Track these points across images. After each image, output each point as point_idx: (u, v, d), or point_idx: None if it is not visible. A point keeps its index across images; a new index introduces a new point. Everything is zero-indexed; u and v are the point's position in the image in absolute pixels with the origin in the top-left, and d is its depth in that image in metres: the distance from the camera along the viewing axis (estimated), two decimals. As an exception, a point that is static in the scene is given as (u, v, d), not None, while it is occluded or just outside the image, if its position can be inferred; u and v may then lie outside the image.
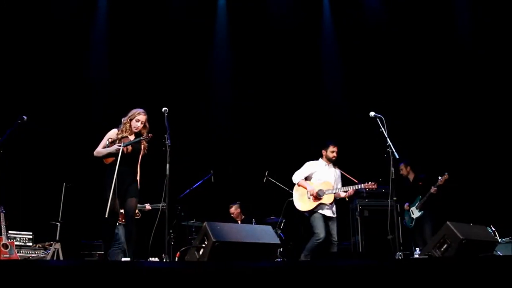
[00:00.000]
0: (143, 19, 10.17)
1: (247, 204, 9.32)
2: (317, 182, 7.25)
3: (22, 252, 7.50)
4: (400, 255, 6.00)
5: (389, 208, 6.26)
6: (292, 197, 7.58)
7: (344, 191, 7.18)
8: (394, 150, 6.07)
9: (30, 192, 8.70)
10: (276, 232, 7.13)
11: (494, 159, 9.30)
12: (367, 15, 10.61)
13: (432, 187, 8.16)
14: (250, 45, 10.56)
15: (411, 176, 8.75)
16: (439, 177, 8.12)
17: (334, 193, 7.15)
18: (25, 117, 6.37)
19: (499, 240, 7.50)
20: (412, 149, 9.18)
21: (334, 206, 7.22)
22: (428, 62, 10.06)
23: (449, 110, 9.86)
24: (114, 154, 5.84)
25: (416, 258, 6.84)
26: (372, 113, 6.35)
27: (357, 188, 7.08)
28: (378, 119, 6.35)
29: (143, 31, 10.15)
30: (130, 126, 6.01)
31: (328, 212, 7.12)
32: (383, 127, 6.28)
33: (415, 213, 8.41)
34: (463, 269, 3.40)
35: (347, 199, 7.37)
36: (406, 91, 10.04)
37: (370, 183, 6.96)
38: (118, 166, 5.71)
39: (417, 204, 8.39)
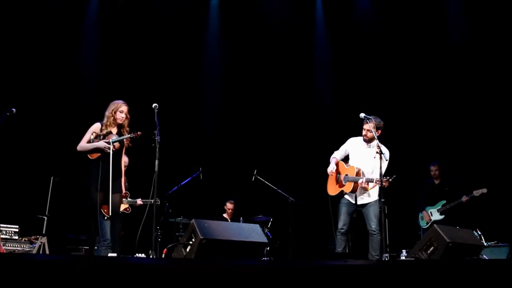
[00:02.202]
0: (135, 15, 10.13)
1: (235, 202, 9.35)
2: (346, 167, 6.58)
3: (8, 246, 7.44)
4: (387, 256, 6.03)
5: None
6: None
7: (364, 182, 6.18)
8: (383, 152, 6.06)
9: (17, 185, 8.64)
10: (263, 231, 7.10)
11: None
12: (360, 15, 10.58)
13: (464, 196, 8.05)
14: (242, 44, 10.56)
15: (437, 179, 8.64)
16: (476, 191, 7.91)
17: (354, 182, 6.31)
18: (14, 109, 6.32)
19: (485, 243, 7.55)
20: (439, 152, 9.08)
21: (365, 192, 6.37)
22: (427, 63, 9.91)
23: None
24: (101, 150, 5.85)
25: (402, 260, 6.87)
26: (362, 115, 6.34)
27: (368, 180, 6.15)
28: (368, 121, 6.35)
29: (135, 27, 10.10)
30: (115, 119, 6.05)
31: (353, 199, 6.45)
32: (373, 129, 6.28)
33: (435, 215, 8.37)
34: (449, 272, 3.42)
35: (368, 189, 6.28)
36: (408, 92, 9.90)
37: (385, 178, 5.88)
38: (105, 163, 5.77)
39: (439, 207, 8.37)
